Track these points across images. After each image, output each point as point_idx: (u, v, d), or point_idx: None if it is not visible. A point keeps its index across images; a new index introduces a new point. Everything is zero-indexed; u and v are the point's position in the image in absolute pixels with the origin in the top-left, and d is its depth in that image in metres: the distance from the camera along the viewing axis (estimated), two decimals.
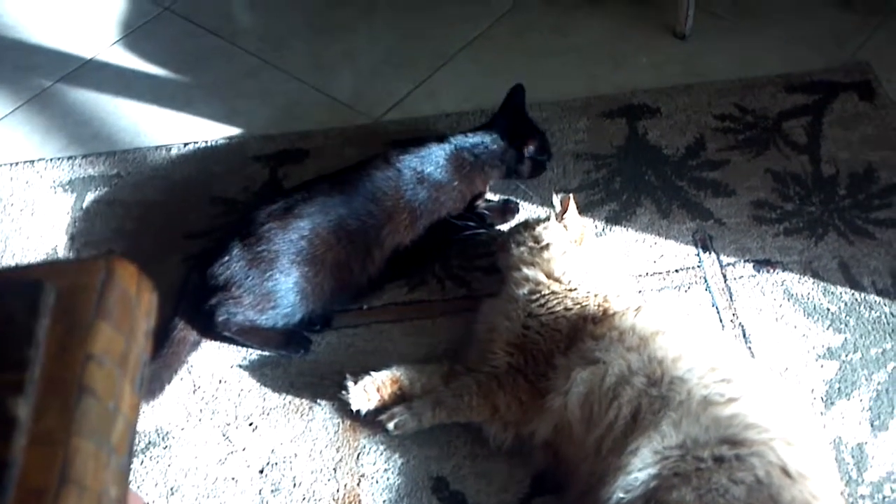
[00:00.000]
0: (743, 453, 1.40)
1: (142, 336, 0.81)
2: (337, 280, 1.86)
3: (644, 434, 1.45)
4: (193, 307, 1.84)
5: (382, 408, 1.70)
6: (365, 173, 1.92)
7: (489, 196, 2.10)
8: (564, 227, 1.82)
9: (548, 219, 1.85)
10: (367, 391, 1.71)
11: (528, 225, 1.87)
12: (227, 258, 1.81)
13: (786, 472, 1.39)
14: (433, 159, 1.97)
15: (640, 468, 1.41)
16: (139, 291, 0.82)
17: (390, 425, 1.66)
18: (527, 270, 1.76)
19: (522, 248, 1.81)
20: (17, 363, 0.72)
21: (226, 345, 1.87)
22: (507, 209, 2.08)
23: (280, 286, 1.81)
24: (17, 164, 2.27)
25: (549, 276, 1.75)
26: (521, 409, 1.63)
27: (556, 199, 1.89)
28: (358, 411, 1.72)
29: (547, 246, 1.79)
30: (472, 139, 2.02)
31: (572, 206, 1.83)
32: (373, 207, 1.89)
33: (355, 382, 1.72)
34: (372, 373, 1.73)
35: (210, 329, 1.83)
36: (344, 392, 1.72)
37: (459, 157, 1.99)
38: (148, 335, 0.83)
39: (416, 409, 1.66)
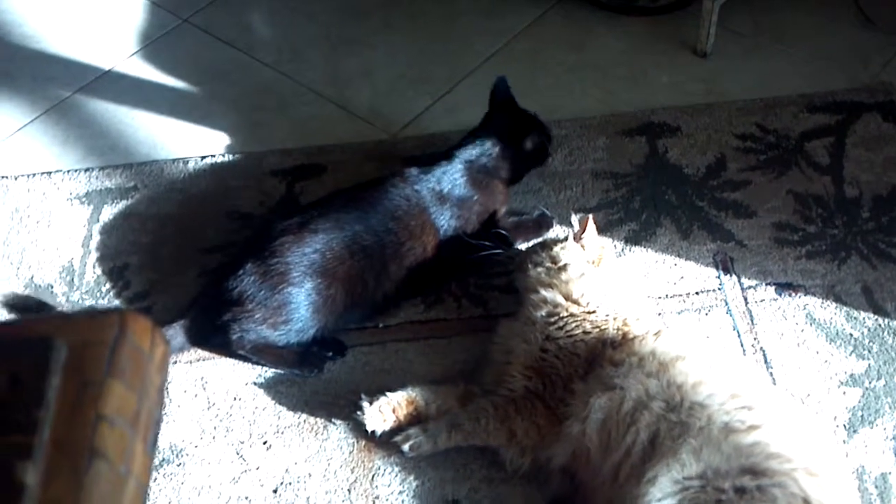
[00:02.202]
0: (765, 484, 1.37)
1: (155, 392, 0.79)
2: (349, 294, 1.85)
3: (663, 462, 1.42)
4: (203, 319, 1.85)
5: (398, 429, 1.68)
6: (383, 191, 1.91)
7: (522, 211, 2.08)
8: (582, 247, 1.80)
9: (566, 239, 1.83)
10: (383, 412, 1.69)
11: (545, 245, 1.85)
12: (240, 272, 1.81)
13: (808, 503, 1.36)
14: (451, 177, 1.95)
15: (660, 498, 1.38)
16: (153, 346, 0.80)
17: (405, 447, 1.64)
18: (545, 292, 1.74)
19: (540, 269, 1.79)
20: (26, 426, 0.70)
21: (240, 362, 1.86)
22: (543, 223, 2.06)
23: (292, 298, 1.79)
24: (34, 175, 2.27)
25: (567, 297, 1.73)
26: (539, 435, 1.61)
27: (575, 219, 1.87)
28: (373, 432, 1.70)
29: (565, 267, 1.77)
30: (476, 149, 2.00)
31: (591, 226, 1.81)
32: (393, 225, 1.87)
33: (370, 403, 1.70)
34: (387, 393, 1.71)
35: (225, 346, 1.82)
36: (359, 412, 1.71)
37: (472, 169, 1.98)
38: (161, 390, 0.80)
39: (431, 431, 1.65)
